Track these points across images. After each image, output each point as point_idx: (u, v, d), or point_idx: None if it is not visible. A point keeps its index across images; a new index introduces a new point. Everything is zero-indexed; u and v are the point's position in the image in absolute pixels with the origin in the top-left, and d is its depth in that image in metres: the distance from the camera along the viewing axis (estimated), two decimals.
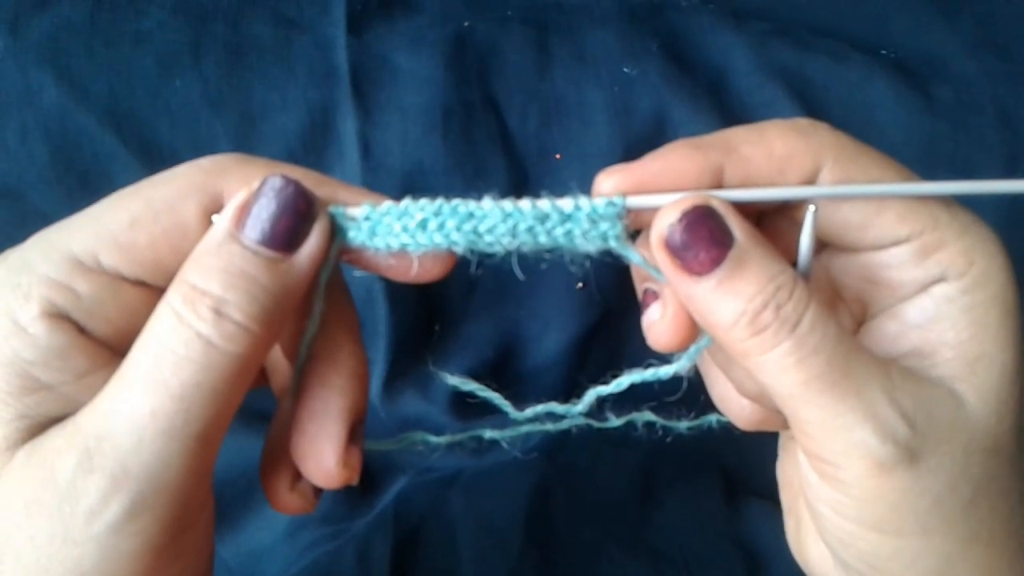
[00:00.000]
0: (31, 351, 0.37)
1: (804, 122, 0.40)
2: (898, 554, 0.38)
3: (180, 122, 0.65)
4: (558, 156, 0.69)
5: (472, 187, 0.67)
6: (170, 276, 0.38)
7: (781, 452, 0.49)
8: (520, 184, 0.69)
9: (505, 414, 0.52)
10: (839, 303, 0.44)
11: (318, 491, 0.46)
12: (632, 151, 0.69)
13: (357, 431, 0.45)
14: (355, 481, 0.44)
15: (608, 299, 0.70)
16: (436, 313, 0.70)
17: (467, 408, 0.69)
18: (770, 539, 0.65)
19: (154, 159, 0.64)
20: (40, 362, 0.37)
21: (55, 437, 0.37)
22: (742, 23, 0.75)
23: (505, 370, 0.71)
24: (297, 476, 0.45)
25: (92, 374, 0.38)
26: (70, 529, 0.35)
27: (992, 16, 0.78)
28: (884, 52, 0.76)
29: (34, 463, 0.36)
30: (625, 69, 0.70)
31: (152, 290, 0.39)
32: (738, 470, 0.73)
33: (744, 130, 0.41)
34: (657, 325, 0.42)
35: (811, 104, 0.71)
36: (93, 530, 0.35)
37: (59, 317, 0.37)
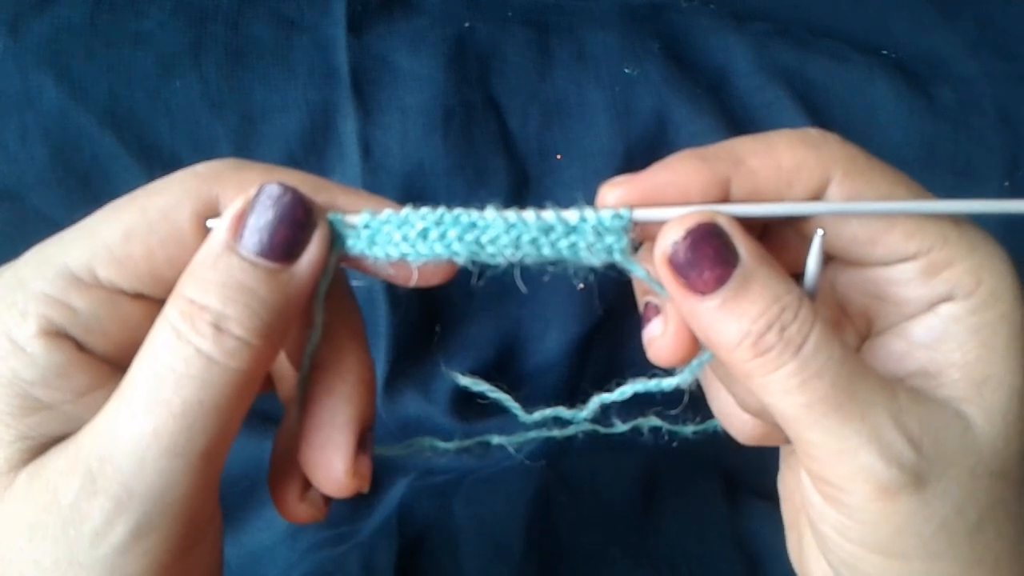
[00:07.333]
0: (30, 371, 0.36)
1: (814, 133, 0.39)
2: None
3: (180, 123, 0.65)
4: (559, 157, 0.69)
5: (473, 188, 0.67)
6: (169, 287, 0.37)
7: (782, 466, 0.49)
8: (521, 185, 0.69)
9: (511, 416, 0.51)
10: (844, 320, 0.43)
11: (328, 499, 0.45)
12: (633, 152, 0.69)
13: (366, 438, 0.44)
14: (365, 489, 0.43)
15: (609, 300, 0.69)
16: (437, 314, 0.70)
17: (468, 409, 0.69)
18: (771, 541, 0.65)
19: (154, 160, 0.64)
20: (39, 382, 0.36)
21: (57, 458, 0.36)
22: (743, 24, 0.75)
23: (506, 371, 0.71)
24: (306, 485, 0.44)
25: (93, 391, 0.37)
26: (75, 552, 0.35)
27: (992, 16, 0.78)
28: (885, 53, 0.76)
29: (37, 486, 0.36)
30: (626, 70, 0.70)
31: (151, 302, 0.38)
32: (739, 471, 0.72)
33: (752, 141, 0.39)
34: (658, 340, 0.42)
35: (812, 105, 0.71)
36: (99, 552, 0.35)
37: (57, 335, 0.37)
